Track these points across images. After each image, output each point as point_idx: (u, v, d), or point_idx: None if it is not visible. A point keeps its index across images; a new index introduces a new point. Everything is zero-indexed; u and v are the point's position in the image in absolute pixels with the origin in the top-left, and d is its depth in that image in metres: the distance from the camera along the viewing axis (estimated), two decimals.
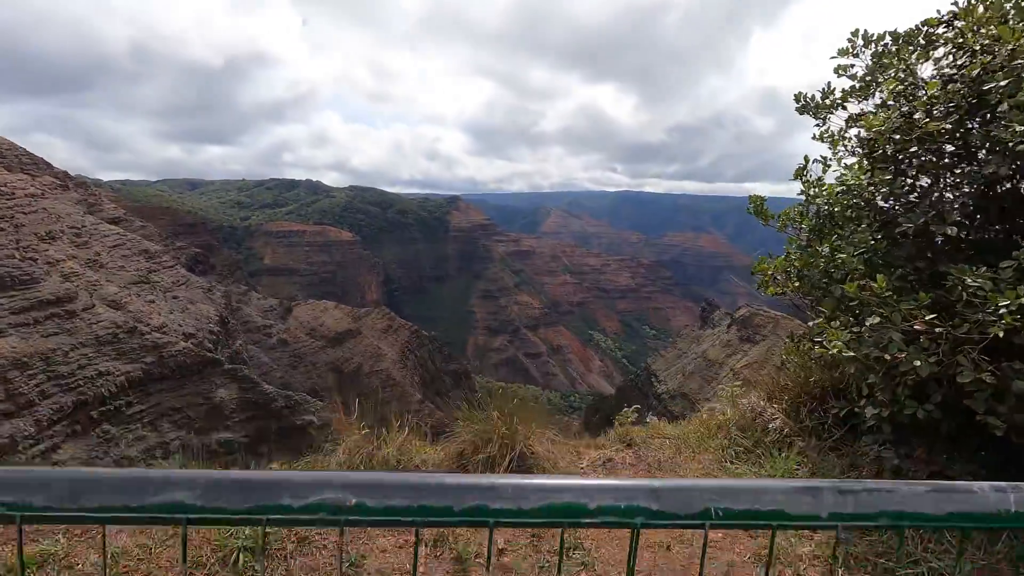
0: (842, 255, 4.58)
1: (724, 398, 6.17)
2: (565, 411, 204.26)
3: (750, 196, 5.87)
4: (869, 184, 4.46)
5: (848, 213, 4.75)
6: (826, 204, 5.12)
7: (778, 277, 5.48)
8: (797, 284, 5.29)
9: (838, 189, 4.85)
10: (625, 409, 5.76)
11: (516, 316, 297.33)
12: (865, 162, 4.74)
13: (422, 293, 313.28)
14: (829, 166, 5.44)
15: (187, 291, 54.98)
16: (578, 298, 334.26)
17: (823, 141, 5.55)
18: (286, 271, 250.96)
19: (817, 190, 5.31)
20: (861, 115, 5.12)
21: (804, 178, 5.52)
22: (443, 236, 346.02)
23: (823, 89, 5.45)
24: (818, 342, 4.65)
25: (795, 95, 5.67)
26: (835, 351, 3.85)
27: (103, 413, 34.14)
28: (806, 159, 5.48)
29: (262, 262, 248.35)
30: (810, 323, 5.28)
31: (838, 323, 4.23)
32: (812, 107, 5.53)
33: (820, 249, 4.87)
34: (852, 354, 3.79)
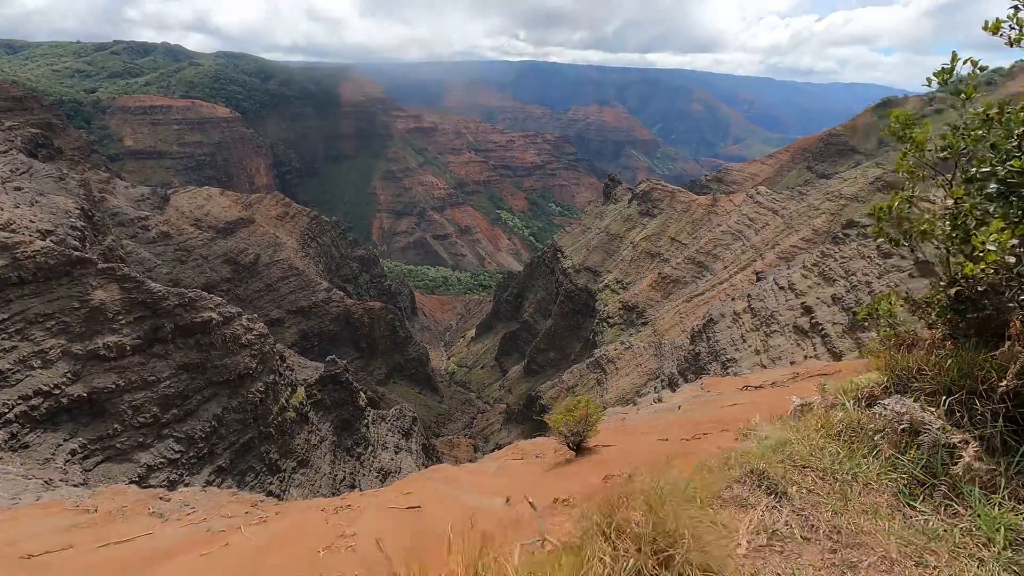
0: None
1: (829, 389, 4.69)
2: (475, 290, 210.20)
3: (890, 112, 4.35)
4: None
5: None
6: None
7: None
8: None
9: None
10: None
11: (421, 197, 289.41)
12: None
13: (317, 175, 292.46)
14: (985, 68, 3.95)
15: (32, 181, 47.02)
16: (484, 177, 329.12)
17: (1004, 37, 3.73)
18: (154, 154, 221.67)
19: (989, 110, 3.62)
20: None
21: (947, 80, 3.92)
22: (335, 111, 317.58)
23: None
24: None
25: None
26: None
27: None
28: (954, 57, 3.91)
29: (122, 144, 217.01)
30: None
31: None
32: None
33: None
34: None
